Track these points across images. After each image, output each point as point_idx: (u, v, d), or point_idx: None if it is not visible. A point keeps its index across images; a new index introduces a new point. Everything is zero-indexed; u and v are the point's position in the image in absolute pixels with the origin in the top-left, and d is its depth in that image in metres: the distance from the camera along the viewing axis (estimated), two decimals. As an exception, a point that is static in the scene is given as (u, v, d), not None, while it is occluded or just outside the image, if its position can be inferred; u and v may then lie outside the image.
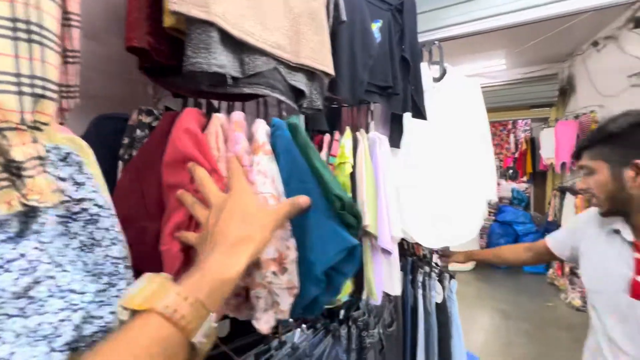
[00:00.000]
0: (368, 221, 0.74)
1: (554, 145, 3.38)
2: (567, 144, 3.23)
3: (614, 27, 2.89)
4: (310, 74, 0.64)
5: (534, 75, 4.14)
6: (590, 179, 0.85)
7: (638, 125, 0.77)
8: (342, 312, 0.93)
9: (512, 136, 5.02)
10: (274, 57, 0.55)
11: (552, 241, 1.11)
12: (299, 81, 0.61)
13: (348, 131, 0.82)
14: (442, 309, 1.20)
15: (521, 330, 2.89)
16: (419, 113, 1.06)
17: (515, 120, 4.77)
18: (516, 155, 4.77)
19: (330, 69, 0.65)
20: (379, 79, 0.92)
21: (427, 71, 1.21)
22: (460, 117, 1.25)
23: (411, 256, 1.26)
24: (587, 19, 2.69)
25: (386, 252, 0.80)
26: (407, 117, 1.09)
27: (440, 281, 1.25)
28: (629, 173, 0.77)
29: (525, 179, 4.60)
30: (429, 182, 1.18)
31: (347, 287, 0.83)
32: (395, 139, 1.09)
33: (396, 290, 0.82)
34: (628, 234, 0.83)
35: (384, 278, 0.82)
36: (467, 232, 1.23)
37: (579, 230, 1.00)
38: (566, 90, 3.91)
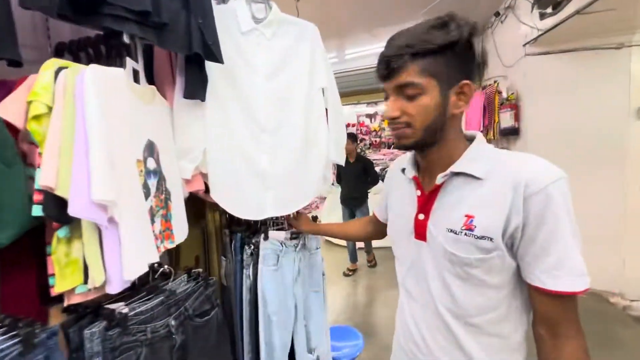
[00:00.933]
0: (52, 182, 0.53)
1: (464, 119, 3.46)
2: (474, 117, 3.30)
3: (512, -4, 2.94)
4: None
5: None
6: (413, 104, 0.61)
7: (471, 36, 0.59)
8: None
9: None
10: None
11: (376, 206, 0.99)
12: None
13: (48, 63, 0.59)
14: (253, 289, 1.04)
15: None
16: (211, 54, 0.85)
17: None
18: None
19: None
20: (129, 1, 0.70)
21: (246, 9, 1.01)
22: (293, 66, 1.07)
23: (242, 231, 1.09)
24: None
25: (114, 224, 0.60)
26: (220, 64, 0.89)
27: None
28: (453, 97, 0.61)
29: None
30: (248, 143, 1.00)
31: (74, 274, 0.63)
32: (193, 88, 0.88)
33: (131, 273, 0.63)
34: (410, 170, 0.73)
35: (124, 259, 0.62)
36: (299, 198, 1.08)
37: (387, 184, 0.88)
38: (479, 65, 4.00)
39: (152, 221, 0.79)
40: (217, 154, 0.94)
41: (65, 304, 0.67)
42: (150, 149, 0.80)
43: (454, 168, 0.64)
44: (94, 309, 0.73)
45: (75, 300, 0.67)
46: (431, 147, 0.66)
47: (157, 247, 0.80)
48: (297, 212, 1.20)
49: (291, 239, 1.19)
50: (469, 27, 0.59)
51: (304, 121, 1.08)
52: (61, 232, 0.60)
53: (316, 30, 1.12)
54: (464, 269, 0.62)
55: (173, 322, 0.84)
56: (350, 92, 5.50)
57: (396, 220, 0.78)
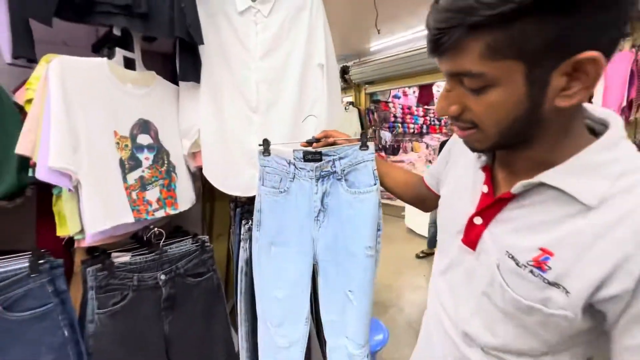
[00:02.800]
0: (29, 151, 0.70)
1: (602, 90, 2.54)
2: (616, 86, 2.40)
3: None
4: None
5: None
6: (480, 99, 0.41)
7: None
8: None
9: None
10: None
11: (428, 173, 0.78)
12: None
13: (44, 57, 0.75)
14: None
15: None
16: (191, 37, 0.90)
17: None
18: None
19: None
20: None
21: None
22: (289, 42, 1.02)
23: (242, 205, 1.14)
24: None
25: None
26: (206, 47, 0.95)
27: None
28: (558, 80, 0.37)
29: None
30: (239, 123, 1.03)
31: (67, 224, 0.82)
32: (185, 70, 0.96)
33: (91, 227, 0.75)
34: (484, 156, 0.53)
35: (85, 216, 0.76)
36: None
37: (449, 154, 0.68)
38: (620, 17, 2.84)
39: (144, 189, 0.93)
40: (209, 133, 1.01)
41: (76, 246, 0.88)
42: (144, 127, 0.93)
43: (546, 178, 0.42)
44: (101, 253, 0.93)
45: (81, 244, 0.87)
46: (520, 145, 0.45)
47: (150, 211, 0.94)
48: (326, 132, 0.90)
49: (305, 159, 0.87)
50: None
51: (298, 101, 1.03)
52: (55, 191, 0.78)
53: (318, 1, 1.03)
54: (511, 309, 0.46)
55: (162, 277, 0.98)
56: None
57: (446, 207, 0.62)
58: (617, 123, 0.43)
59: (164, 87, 1.00)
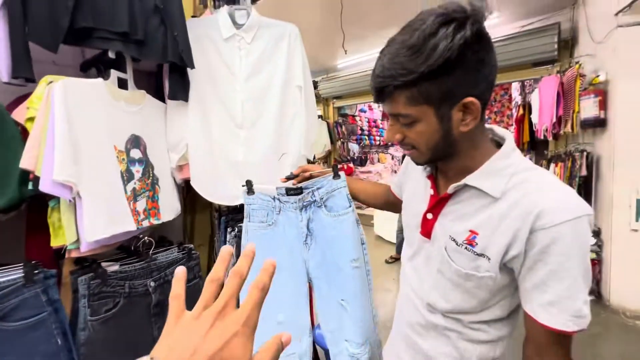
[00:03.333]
0: (32, 166, 0.75)
1: (537, 109, 2.94)
2: (548, 105, 2.80)
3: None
4: None
5: (533, 27, 3.59)
6: (411, 130, 0.59)
7: (468, 44, 0.50)
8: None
9: (513, 102, 4.42)
10: None
11: (393, 181, 0.97)
12: None
13: (44, 78, 0.81)
14: None
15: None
16: (183, 61, 0.99)
17: (510, 83, 4.17)
18: (512, 123, 4.18)
19: None
20: (111, 24, 0.88)
21: (227, 18, 1.12)
22: (270, 66, 1.15)
23: (226, 214, 1.23)
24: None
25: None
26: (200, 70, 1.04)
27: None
28: (457, 115, 0.56)
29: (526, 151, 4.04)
30: (226, 137, 1.13)
31: (62, 234, 0.85)
32: (175, 90, 1.04)
33: (89, 237, 0.81)
34: (428, 170, 0.71)
35: (85, 226, 0.81)
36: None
37: (407, 166, 0.86)
38: (567, 42, 3.34)
39: (135, 200, 0.99)
40: (197, 147, 1.09)
41: (66, 256, 0.91)
42: (135, 142, 0.99)
43: (468, 180, 0.61)
44: (91, 263, 0.97)
45: (73, 254, 0.90)
46: (448, 158, 0.63)
47: (140, 221, 1.00)
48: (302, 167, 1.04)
49: (288, 194, 0.98)
50: (464, 34, 0.49)
51: (278, 117, 1.15)
52: (51, 203, 0.82)
53: (295, 30, 1.18)
54: (456, 277, 0.63)
55: (152, 284, 1.03)
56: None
57: (407, 208, 0.79)
58: (509, 139, 0.64)
59: (153, 105, 1.07)
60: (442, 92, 0.54)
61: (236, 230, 1.16)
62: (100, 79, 0.89)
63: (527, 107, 3.71)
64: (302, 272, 1.02)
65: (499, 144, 0.64)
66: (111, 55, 0.92)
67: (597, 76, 2.40)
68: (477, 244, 0.59)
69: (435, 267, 0.67)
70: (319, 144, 5.19)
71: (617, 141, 2.30)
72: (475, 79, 0.54)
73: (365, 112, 7.32)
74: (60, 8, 0.81)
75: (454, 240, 0.62)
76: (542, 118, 2.88)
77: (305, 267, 1.02)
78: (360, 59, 4.87)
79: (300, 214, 1.00)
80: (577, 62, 2.68)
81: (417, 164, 0.67)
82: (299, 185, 1.00)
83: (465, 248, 0.60)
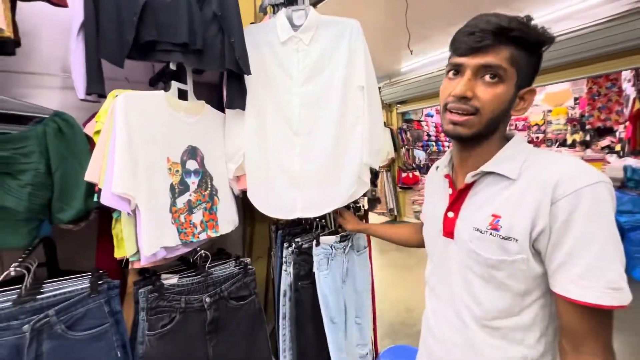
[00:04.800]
0: (96, 178, 0.75)
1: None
2: None
3: None
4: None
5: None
6: (490, 90, 0.58)
7: (550, 42, 0.58)
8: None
9: (624, 95, 3.59)
10: None
11: (422, 214, 0.90)
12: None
13: (112, 92, 0.83)
14: (303, 290, 1.05)
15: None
16: (240, 68, 0.95)
17: (620, 73, 3.37)
18: (626, 120, 3.38)
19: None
20: (173, 36, 0.88)
21: (285, 20, 1.06)
22: (330, 67, 1.05)
23: (283, 228, 1.14)
24: None
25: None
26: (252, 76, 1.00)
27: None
28: (519, 98, 0.61)
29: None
30: (281, 146, 1.05)
31: (124, 246, 0.86)
32: (232, 98, 1.01)
33: (147, 251, 0.78)
34: (443, 168, 0.74)
35: (142, 240, 0.80)
36: (329, 201, 1.04)
37: (426, 190, 0.86)
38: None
39: (191, 212, 0.97)
40: (253, 157, 1.04)
41: (130, 267, 0.92)
42: (192, 153, 0.98)
43: (485, 167, 0.63)
44: (152, 275, 0.97)
45: (135, 266, 0.90)
46: (477, 141, 0.64)
47: (196, 234, 0.97)
48: (341, 211, 1.21)
49: (340, 241, 1.20)
50: (552, 39, 0.58)
51: (338, 123, 1.04)
52: (115, 214, 0.83)
53: (357, 26, 1.06)
54: (487, 270, 0.61)
55: (207, 299, 0.99)
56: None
57: (429, 218, 0.78)
58: (519, 135, 0.67)
59: (212, 115, 1.06)
60: (527, 67, 0.59)
61: (293, 246, 1.08)
62: (161, 91, 0.89)
63: (644, 100, 2.97)
64: (343, 307, 1.19)
65: (507, 139, 0.66)
66: (172, 67, 0.93)
67: None
68: (501, 227, 0.58)
69: (463, 263, 0.65)
70: (382, 151, 4.97)
71: None
72: (536, 73, 0.61)
73: (432, 116, 6.86)
74: (126, 23, 0.83)
75: (477, 230, 0.61)
76: None
77: (344, 301, 1.20)
78: (425, 60, 4.57)
79: (345, 257, 1.20)
80: None
81: (460, 137, 0.63)
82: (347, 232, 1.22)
83: (490, 234, 0.59)
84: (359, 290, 1.28)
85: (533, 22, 0.57)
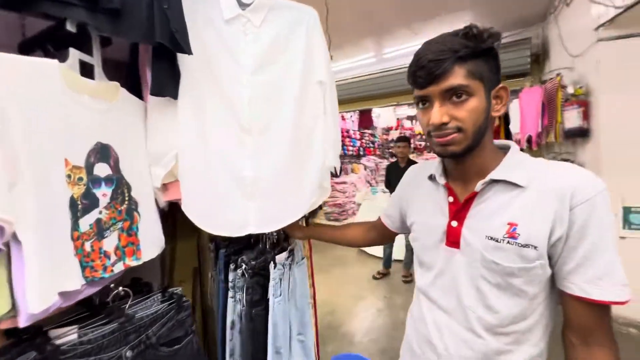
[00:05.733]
0: None
1: (519, 117, 2.98)
2: (531, 115, 2.84)
3: (581, -27, 2.48)
4: None
5: (506, 42, 3.72)
6: (463, 108, 0.60)
7: (497, 39, 0.62)
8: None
9: None
10: None
11: (384, 213, 0.96)
12: None
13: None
14: (253, 321, 0.89)
15: None
16: (177, 44, 0.73)
17: None
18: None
19: None
20: (73, -17, 0.60)
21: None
22: (285, 57, 0.92)
23: (226, 246, 0.96)
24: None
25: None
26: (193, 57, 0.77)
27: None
28: (493, 99, 0.64)
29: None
30: (229, 147, 0.86)
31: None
32: (160, 83, 0.77)
33: (35, 306, 0.51)
34: (441, 178, 0.73)
35: (27, 288, 0.51)
36: (289, 211, 0.91)
37: (403, 192, 0.86)
38: (539, 56, 3.49)
39: (101, 236, 0.69)
40: (190, 159, 0.82)
41: (-5, 329, 0.59)
42: (103, 154, 0.70)
43: (494, 175, 0.64)
44: (33, 334, 0.64)
45: (3, 326, 0.58)
46: (470, 153, 0.65)
47: (108, 267, 0.70)
48: None
49: (288, 257, 1.09)
50: (498, 35, 0.61)
51: (297, 120, 0.91)
52: (-32, 253, 0.50)
53: (315, 15, 0.96)
54: (504, 278, 0.61)
55: (129, 354, 0.72)
56: (389, 92, 5.21)
57: (422, 228, 0.77)
58: (515, 145, 0.69)
59: (130, 103, 0.79)
60: (489, 72, 0.62)
61: (243, 267, 0.89)
62: (54, 61, 0.60)
63: (501, 118, 3.78)
64: (288, 327, 1.08)
65: (498, 147, 0.70)
66: (70, 28, 0.64)
67: (580, 87, 2.45)
68: (519, 235, 0.59)
69: (476, 275, 0.64)
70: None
71: (603, 151, 2.34)
72: (499, 71, 0.64)
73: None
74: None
75: (492, 238, 0.61)
76: (524, 128, 2.92)
77: (289, 319, 1.10)
78: (336, 67, 4.78)
79: (290, 271, 1.08)
80: (557, 74, 2.75)
81: (454, 154, 0.64)
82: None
83: (508, 242, 0.60)
84: (299, 306, 1.17)
85: (475, 29, 0.60)
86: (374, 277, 3.54)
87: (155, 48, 0.76)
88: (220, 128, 0.85)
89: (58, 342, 0.63)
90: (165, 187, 0.85)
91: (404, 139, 3.53)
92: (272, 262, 0.97)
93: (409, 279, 3.49)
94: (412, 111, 6.14)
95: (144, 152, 0.82)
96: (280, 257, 1.03)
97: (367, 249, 4.32)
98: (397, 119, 8.76)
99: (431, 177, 0.76)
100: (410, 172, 0.86)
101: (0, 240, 0.47)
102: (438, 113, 0.61)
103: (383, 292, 3.27)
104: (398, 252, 3.62)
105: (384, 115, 7.82)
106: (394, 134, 8.57)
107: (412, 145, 7.23)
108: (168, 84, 0.78)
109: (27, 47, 0.75)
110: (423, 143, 8.47)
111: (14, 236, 0.49)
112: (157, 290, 0.87)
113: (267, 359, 0.92)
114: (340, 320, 2.75)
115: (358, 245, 1.09)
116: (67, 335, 0.66)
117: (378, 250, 4.04)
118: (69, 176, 0.62)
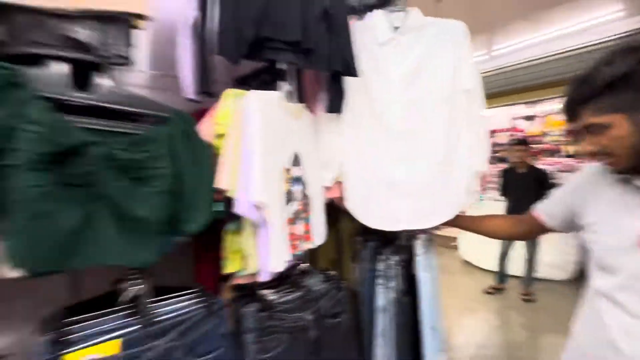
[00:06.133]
0: (227, 185, 0.68)
1: None
2: None
3: None
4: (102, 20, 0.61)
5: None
6: (603, 137, 0.66)
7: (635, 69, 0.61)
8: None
9: None
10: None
11: (542, 208, 0.92)
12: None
13: (226, 92, 0.76)
14: (403, 306, 0.98)
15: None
16: (348, 70, 0.90)
17: None
18: None
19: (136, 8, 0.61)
20: (285, 34, 0.82)
21: (384, 21, 1.02)
22: (433, 69, 1.00)
23: (376, 240, 1.08)
24: None
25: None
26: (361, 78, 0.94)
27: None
28: None
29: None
30: (382, 152, 1.00)
31: (237, 260, 0.78)
32: (334, 102, 0.95)
33: (274, 266, 0.71)
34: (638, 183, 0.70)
35: (271, 254, 0.73)
36: (440, 211, 0.98)
37: (578, 189, 0.83)
38: None
39: (295, 223, 0.90)
40: (351, 164, 0.98)
41: (231, 283, 0.84)
42: (296, 159, 0.91)
43: None
44: (250, 291, 0.89)
45: (237, 281, 0.82)
46: None
47: (296, 246, 0.90)
48: None
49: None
50: (636, 55, 0.61)
51: (446, 127, 0.99)
52: (231, 226, 0.75)
53: (461, 27, 1.02)
54: None
55: (309, 317, 0.92)
56: (501, 92, 4.76)
57: (608, 230, 0.74)
58: None
59: (308, 119, 1.00)
60: (629, 99, 0.63)
61: (398, 258, 1.01)
62: (277, 92, 0.82)
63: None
64: None
65: None
66: (281, 66, 0.86)
67: None
68: None
69: None
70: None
71: None
72: None
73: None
74: (244, 20, 0.77)
75: None
76: None
77: None
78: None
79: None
80: None
81: (618, 171, 0.70)
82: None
83: None
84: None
85: (615, 66, 0.63)
86: (487, 292, 3.25)
87: (331, 74, 0.94)
88: (373, 137, 1.00)
89: (271, 299, 0.85)
90: (328, 187, 1.04)
91: (522, 142, 3.19)
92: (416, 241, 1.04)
93: (529, 297, 3.12)
94: (529, 110, 5.41)
95: (315, 158, 1.02)
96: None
97: (474, 260, 4.02)
98: (512, 119, 7.87)
99: (627, 180, 0.72)
100: (588, 170, 0.84)
101: (262, 218, 0.69)
102: (582, 148, 0.70)
103: (494, 306, 3.00)
104: (512, 267, 3.26)
105: (496, 117, 7.13)
106: (502, 137, 7.72)
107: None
108: (339, 102, 0.96)
109: (241, 81, 1.03)
110: (539, 145, 7.38)
111: (264, 217, 0.71)
112: (319, 273, 1.06)
113: (424, 334, 1.01)
114: (449, 332, 2.65)
115: (497, 237, 1.06)
116: (270, 296, 0.89)
117: (485, 263, 3.72)
118: (284, 176, 0.84)
